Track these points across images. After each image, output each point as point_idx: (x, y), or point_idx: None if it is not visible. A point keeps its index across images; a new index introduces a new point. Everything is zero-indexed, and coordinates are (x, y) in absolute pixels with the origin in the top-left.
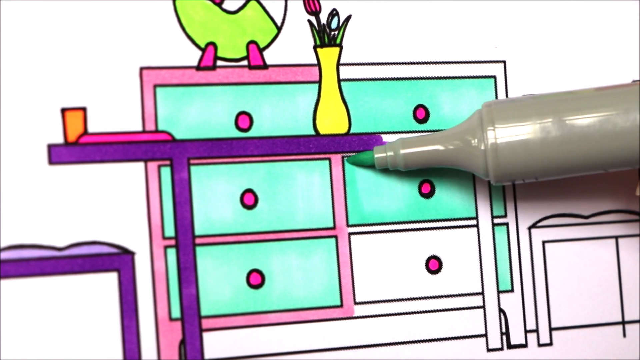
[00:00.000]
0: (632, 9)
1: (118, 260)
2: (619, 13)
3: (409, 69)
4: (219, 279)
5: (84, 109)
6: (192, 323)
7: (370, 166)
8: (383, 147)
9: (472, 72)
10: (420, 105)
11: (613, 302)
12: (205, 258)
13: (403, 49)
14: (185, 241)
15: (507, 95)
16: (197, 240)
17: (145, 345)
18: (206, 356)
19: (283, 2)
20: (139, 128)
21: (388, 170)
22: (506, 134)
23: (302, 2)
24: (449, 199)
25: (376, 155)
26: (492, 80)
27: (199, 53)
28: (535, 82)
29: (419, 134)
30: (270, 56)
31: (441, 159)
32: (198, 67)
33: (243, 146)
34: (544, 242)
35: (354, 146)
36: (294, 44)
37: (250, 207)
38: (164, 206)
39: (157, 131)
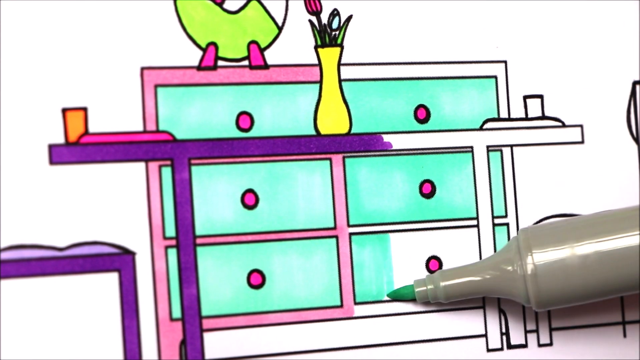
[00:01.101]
0: (632, 9)
1: (119, 261)
2: (619, 13)
3: (409, 69)
4: (220, 279)
5: (84, 109)
6: (192, 323)
7: (412, 300)
8: (423, 280)
9: (473, 72)
10: (421, 105)
11: (613, 302)
12: (206, 258)
13: (404, 49)
14: (186, 241)
15: (507, 95)
16: (198, 241)
17: (146, 345)
18: (207, 356)
19: (284, 2)
20: (140, 128)
21: (388, 170)
22: (545, 259)
23: (303, 2)
24: (450, 199)
25: (417, 290)
26: (493, 80)
27: (200, 53)
28: (536, 82)
29: (457, 266)
30: (271, 56)
31: (481, 289)
32: (199, 67)
33: (244, 146)
34: None
35: (354, 146)
36: (295, 44)
37: (251, 207)
38: (165, 206)
39: (158, 131)
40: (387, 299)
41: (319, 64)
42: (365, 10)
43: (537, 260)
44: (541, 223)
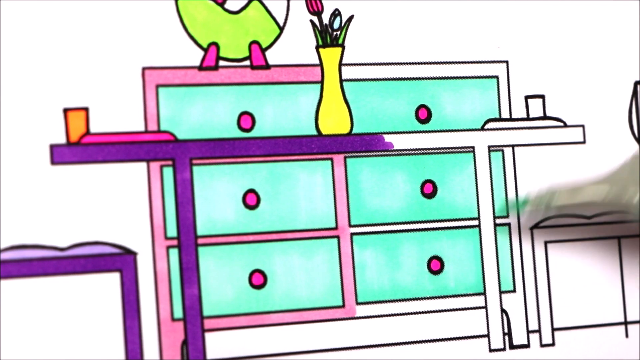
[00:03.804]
0: (632, 9)
1: (120, 261)
2: (621, 13)
3: (411, 69)
4: (221, 279)
5: (86, 109)
6: (194, 323)
7: (522, 210)
8: (537, 189)
9: (475, 72)
10: (422, 106)
11: (615, 303)
12: (208, 258)
13: (405, 49)
14: (187, 241)
15: (509, 95)
16: (200, 241)
17: (147, 345)
18: (208, 356)
19: (285, 2)
20: (142, 128)
21: (390, 170)
22: None
23: (304, 3)
24: (451, 199)
25: (531, 197)
26: (495, 80)
27: (202, 53)
28: (538, 82)
29: (571, 179)
30: (272, 56)
31: (593, 201)
32: (200, 67)
33: (245, 146)
34: (546, 243)
35: (356, 146)
36: (296, 44)
37: (252, 207)
38: (166, 206)
39: (159, 131)
40: (390, 298)
41: (320, 64)
42: (366, 10)
43: None
44: None
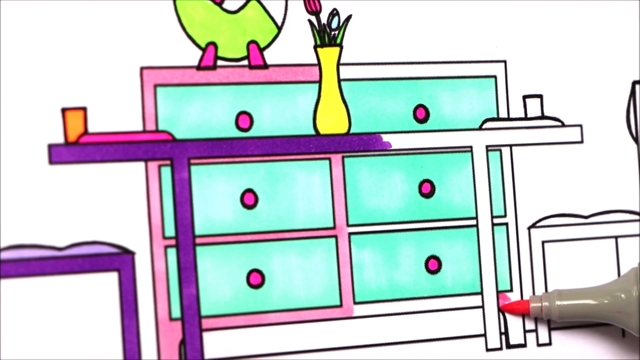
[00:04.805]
0: (632, 9)
1: (118, 260)
2: (619, 13)
3: (409, 68)
4: (219, 278)
5: (84, 109)
6: (192, 323)
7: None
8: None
9: (473, 71)
10: (420, 105)
11: None
12: (206, 258)
13: (403, 49)
14: (185, 241)
15: (507, 95)
16: (198, 240)
17: (145, 345)
18: (206, 356)
19: (283, 1)
20: (140, 128)
21: (388, 170)
22: None
23: (302, 2)
24: (449, 198)
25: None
26: (493, 80)
27: (200, 53)
28: (536, 82)
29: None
30: (270, 56)
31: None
32: (198, 67)
33: (243, 146)
34: (543, 242)
35: (354, 146)
36: (295, 44)
37: (250, 207)
38: (165, 206)
39: (157, 131)
40: (387, 298)
41: (319, 64)
42: (364, 10)
43: None
44: None
